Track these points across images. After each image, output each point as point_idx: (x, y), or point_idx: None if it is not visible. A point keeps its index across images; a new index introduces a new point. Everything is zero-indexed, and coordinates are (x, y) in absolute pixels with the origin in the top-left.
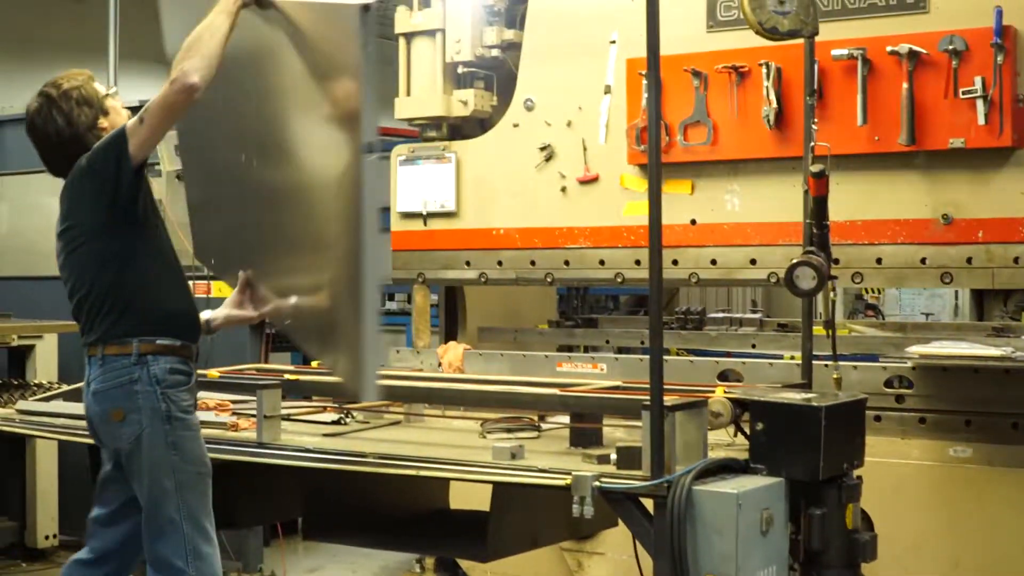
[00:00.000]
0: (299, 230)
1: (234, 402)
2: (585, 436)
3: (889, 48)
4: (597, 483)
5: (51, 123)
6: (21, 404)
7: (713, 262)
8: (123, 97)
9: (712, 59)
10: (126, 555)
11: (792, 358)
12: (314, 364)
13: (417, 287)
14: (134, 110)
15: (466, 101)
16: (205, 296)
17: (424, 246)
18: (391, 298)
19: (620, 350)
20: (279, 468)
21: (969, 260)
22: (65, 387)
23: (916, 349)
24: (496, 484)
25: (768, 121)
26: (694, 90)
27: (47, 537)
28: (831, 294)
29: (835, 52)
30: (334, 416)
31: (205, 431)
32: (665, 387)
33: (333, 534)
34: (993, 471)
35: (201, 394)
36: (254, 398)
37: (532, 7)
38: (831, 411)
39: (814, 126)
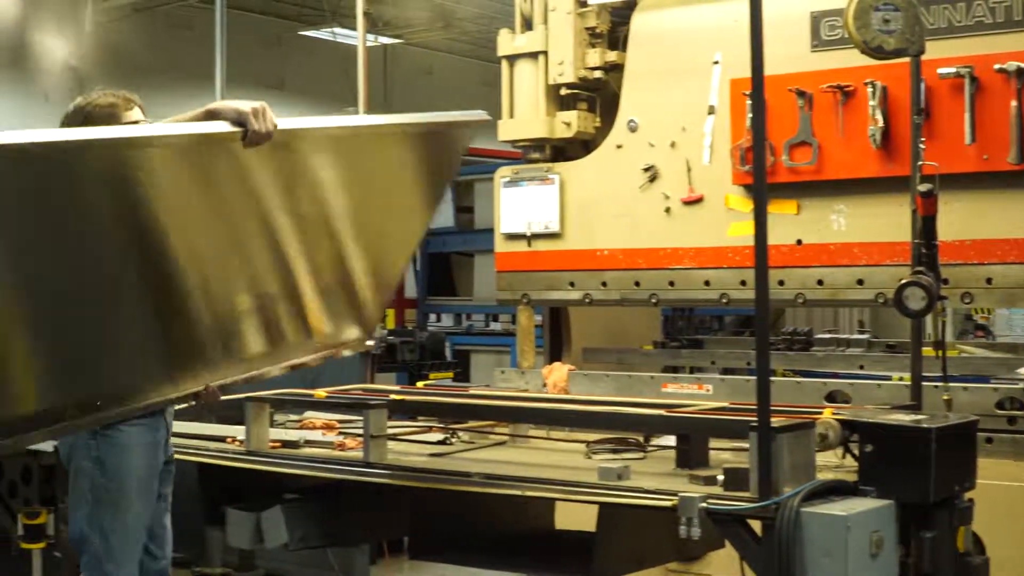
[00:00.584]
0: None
1: (341, 422)
2: (691, 457)
3: (997, 66)
4: (704, 504)
5: None
6: None
7: (819, 282)
8: None
9: (817, 78)
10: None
11: (901, 379)
12: (419, 385)
13: (522, 308)
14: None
15: (569, 123)
16: None
17: (528, 267)
18: (495, 319)
19: (725, 371)
20: (386, 487)
21: None
22: None
23: None
24: (602, 505)
25: (874, 140)
26: (799, 110)
27: None
28: (940, 314)
29: (942, 71)
30: (440, 436)
31: (312, 451)
32: (772, 408)
33: (439, 553)
34: None
35: (308, 414)
36: (361, 418)
37: (635, 28)
38: (942, 433)
39: (921, 145)
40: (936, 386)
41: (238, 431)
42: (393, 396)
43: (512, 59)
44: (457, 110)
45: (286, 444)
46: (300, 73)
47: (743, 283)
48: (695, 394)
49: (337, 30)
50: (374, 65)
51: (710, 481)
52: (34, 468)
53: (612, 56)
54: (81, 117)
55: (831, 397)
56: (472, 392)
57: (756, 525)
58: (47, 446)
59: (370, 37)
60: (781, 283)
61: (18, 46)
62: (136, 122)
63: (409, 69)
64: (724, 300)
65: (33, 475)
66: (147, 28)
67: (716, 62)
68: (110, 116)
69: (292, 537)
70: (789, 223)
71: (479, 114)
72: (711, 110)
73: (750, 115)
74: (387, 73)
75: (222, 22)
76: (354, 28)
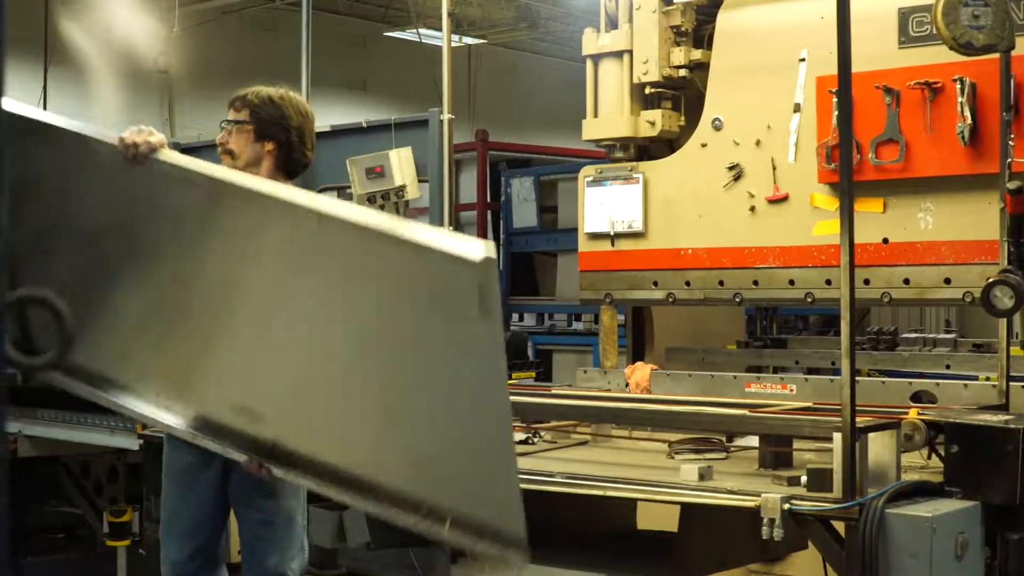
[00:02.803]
0: None
1: None
2: (775, 457)
3: None
4: (787, 505)
5: None
6: None
7: (906, 281)
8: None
9: (904, 75)
10: None
11: (988, 379)
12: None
13: (604, 307)
14: (320, 135)
15: (653, 121)
16: None
17: (612, 266)
18: (577, 318)
19: (810, 371)
20: None
21: None
22: None
23: None
24: (684, 505)
25: (962, 138)
26: (885, 107)
27: (240, 551)
28: None
29: None
30: (522, 436)
31: None
32: (857, 408)
33: None
34: None
35: None
36: None
37: (720, 26)
38: None
39: (1011, 142)
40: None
41: None
42: None
43: (596, 58)
44: (540, 109)
45: None
46: (384, 74)
47: (828, 282)
48: (779, 394)
49: (422, 31)
50: (458, 65)
51: (793, 482)
52: (120, 467)
53: (697, 54)
54: None
55: (917, 397)
56: (554, 392)
57: (840, 526)
58: (132, 444)
59: (455, 38)
60: (867, 282)
61: (106, 50)
62: (221, 123)
63: (493, 69)
64: (809, 299)
65: (119, 473)
66: (234, 30)
67: (802, 59)
68: None
69: (374, 536)
70: (875, 221)
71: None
72: (797, 108)
73: (836, 113)
74: (472, 74)
75: (307, 24)
76: (439, 29)
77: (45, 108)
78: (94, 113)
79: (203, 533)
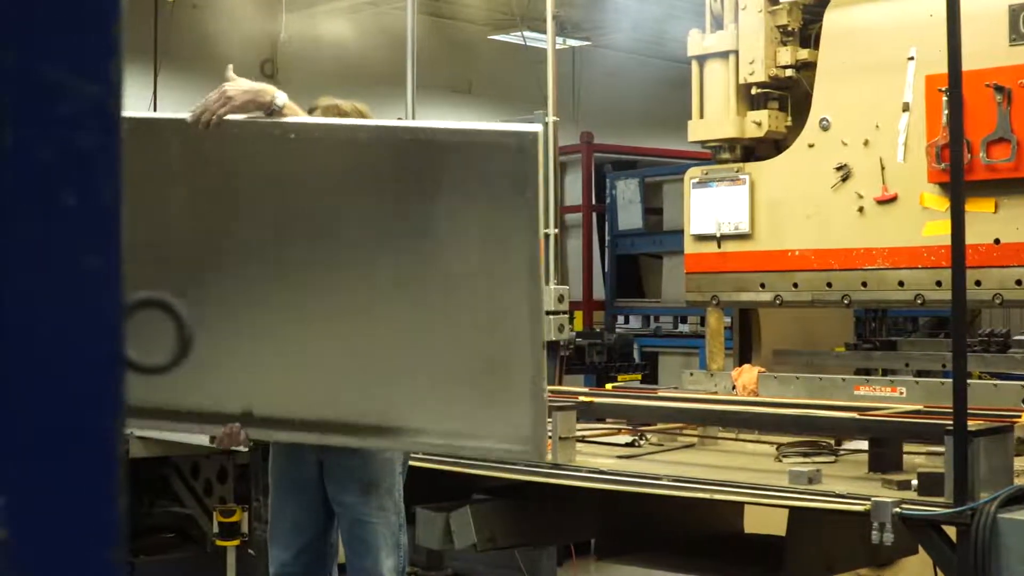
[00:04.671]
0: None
1: None
2: (884, 461)
3: None
4: (897, 509)
5: None
6: None
7: (1018, 282)
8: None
9: (1015, 73)
10: None
11: None
12: (608, 387)
13: (711, 309)
14: None
15: (760, 122)
16: None
17: (718, 268)
18: (683, 320)
19: (920, 373)
20: (574, 489)
21: None
22: None
23: None
24: (792, 509)
25: None
26: (996, 106)
27: None
28: None
29: None
30: (628, 438)
31: None
32: (969, 411)
33: (626, 555)
34: None
35: None
36: (549, 420)
37: (827, 25)
38: None
39: None
40: None
41: None
42: (582, 398)
43: (702, 59)
44: (645, 111)
45: None
46: (489, 77)
47: (939, 283)
48: (888, 397)
49: (527, 34)
50: (563, 67)
51: (904, 486)
52: (230, 467)
53: (804, 54)
54: None
55: None
56: (660, 394)
57: (951, 531)
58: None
59: (558, 40)
60: (978, 283)
61: (211, 54)
62: None
63: (597, 71)
64: (919, 301)
65: (228, 474)
66: (339, 33)
67: (911, 58)
68: None
69: (480, 538)
70: (986, 221)
71: (533, 126)
72: (905, 107)
73: (947, 112)
74: (576, 75)
75: (412, 27)
76: (543, 32)
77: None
78: None
79: (307, 532)
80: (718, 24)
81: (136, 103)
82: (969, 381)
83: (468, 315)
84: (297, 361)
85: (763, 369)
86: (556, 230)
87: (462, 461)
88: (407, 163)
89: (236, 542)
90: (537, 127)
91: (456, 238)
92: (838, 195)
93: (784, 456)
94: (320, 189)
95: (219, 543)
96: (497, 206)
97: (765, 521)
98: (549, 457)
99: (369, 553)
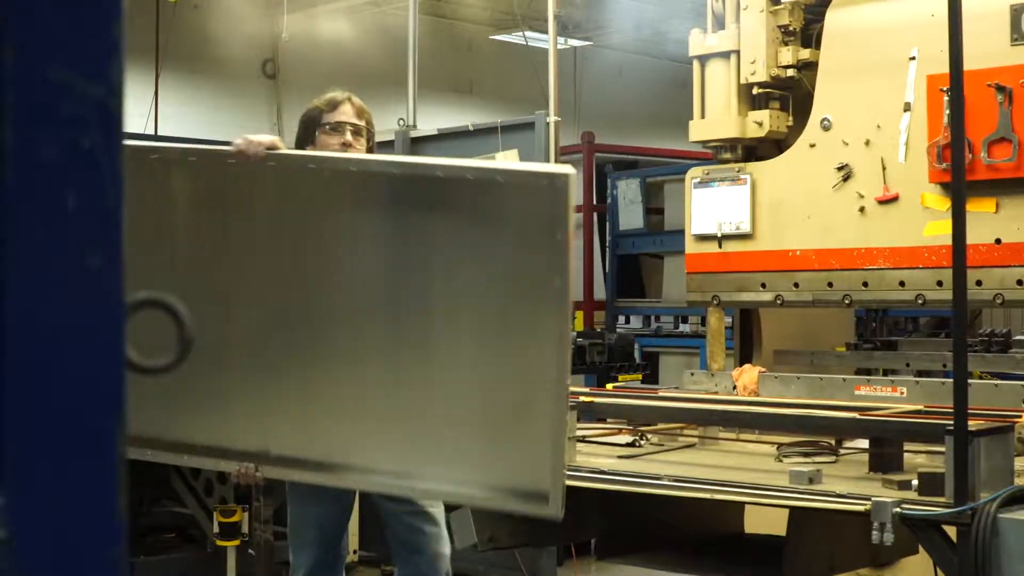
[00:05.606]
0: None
1: None
2: (885, 461)
3: None
4: (898, 509)
5: None
6: None
7: (1019, 282)
8: (421, 126)
9: (1017, 73)
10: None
11: None
12: (609, 387)
13: (712, 309)
14: (427, 139)
15: (761, 122)
16: None
17: (719, 268)
18: (684, 320)
19: (920, 373)
20: (574, 489)
21: None
22: None
23: None
24: (793, 509)
25: None
26: (998, 105)
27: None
28: None
29: None
30: (629, 438)
31: None
32: (969, 411)
33: (627, 556)
34: None
35: None
36: None
37: (829, 25)
38: None
39: None
40: None
41: None
42: (582, 398)
43: (703, 59)
44: (646, 111)
45: None
46: (490, 77)
47: (940, 283)
48: (889, 397)
49: (528, 33)
50: (564, 67)
51: (904, 486)
52: None
53: (805, 54)
54: (299, 122)
55: None
56: (661, 394)
57: (951, 531)
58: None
59: (560, 40)
60: (979, 283)
61: (212, 56)
62: (340, 123)
63: (599, 71)
64: (920, 301)
65: (229, 474)
66: (340, 33)
67: (912, 58)
68: (312, 120)
69: (480, 538)
70: (987, 221)
71: (566, 167)
72: (907, 107)
73: (948, 112)
74: (577, 76)
75: (414, 27)
76: (545, 32)
77: (156, 115)
78: (204, 120)
79: (329, 539)
80: (720, 24)
81: (137, 104)
82: (970, 381)
83: (491, 361)
84: (315, 403)
85: (764, 369)
86: None
87: None
88: (436, 201)
89: (236, 542)
90: (570, 169)
91: (483, 280)
92: (839, 195)
93: (784, 456)
94: (345, 227)
95: (219, 543)
96: (528, 249)
97: (765, 521)
98: None
99: (432, 542)
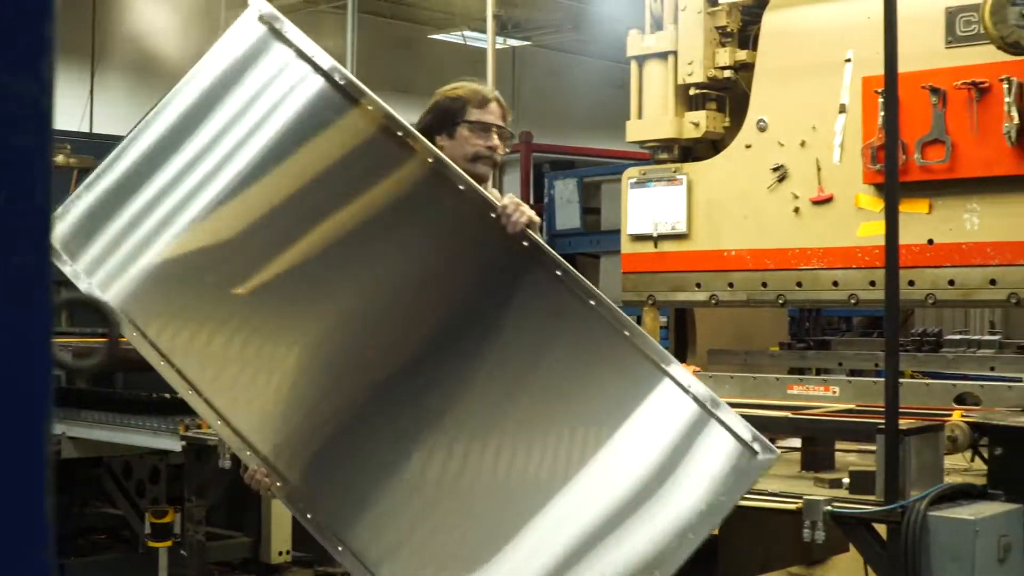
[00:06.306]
0: None
1: None
2: (817, 460)
3: None
4: (829, 507)
5: None
6: None
7: (951, 283)
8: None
9: (951, 75)
10: None
11: None
12: None
13: (647, 309)
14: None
15: (698, 123)
16: None
17: (654, 268)
18: None
19: (853, 372)
20: None
21: None
22: None
23: None
24: None
25: (1009, 138)
26: (932, 107)
27: (280, 553)
28: None
29: None
30: None
31: None
32: (900, 410)
33: None
34: None
35: None
36: None
37: (766, 27)
38: None
39: None
40: None
41: None
42: None
43: (641, 59)
44: (584, 111)
45: None
46: (429, 76)
47: (872, 283)
48: (821, 396)
49: (467, 33)
50: (503, 67)
51: (835, 484)
52: (162, 468)
53: (742, 55)
54: (432, 107)
55: (960, 399)
56: None
57: (882, 529)
58: (175, 445)
59: (499, 40)
60: (911, 283)
61: (148, 54)
62: (489, 124)
63: (538, 71)
64: (853, 301)
65: (161, 475)
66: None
67: (848, 60)
68: (453, 111)
69: None
70: (920, 222)
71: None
72: (842, 108)
73: (883, 113)
74: (516, 75)
75: (352, 26)
76: (484, 31)
77: (92, 114)
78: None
79: None
80: (658, 25)
81: (71, 103)
82: (901, 380)
83: None
84: None
85: (698, 368)
86: None
87: None
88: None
89: (168, 543)
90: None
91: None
92: (774, 196)
93: None
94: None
95: (151, 544)
96: None
97: None
98: None
99: None
